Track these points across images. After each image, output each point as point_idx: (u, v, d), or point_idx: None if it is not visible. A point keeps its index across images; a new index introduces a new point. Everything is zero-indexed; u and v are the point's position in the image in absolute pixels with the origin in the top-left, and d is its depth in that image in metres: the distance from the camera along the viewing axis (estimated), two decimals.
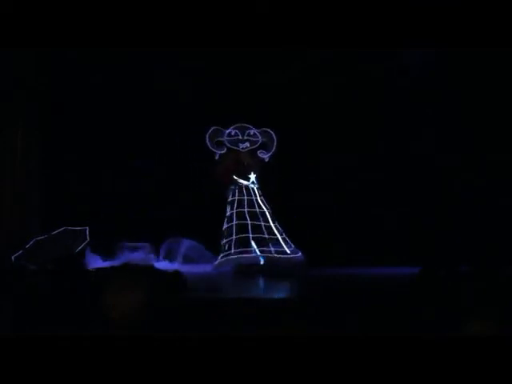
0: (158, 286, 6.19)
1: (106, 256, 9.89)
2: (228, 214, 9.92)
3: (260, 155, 10.19)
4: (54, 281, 6.20)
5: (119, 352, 4.50)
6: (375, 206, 10.62)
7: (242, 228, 9.65)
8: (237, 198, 9.92)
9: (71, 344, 4.56)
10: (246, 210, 9.75)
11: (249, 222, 9.64)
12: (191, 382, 4.36)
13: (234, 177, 10.01)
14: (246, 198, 9.86)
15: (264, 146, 10.25)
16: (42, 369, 4.36)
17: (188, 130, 10.68)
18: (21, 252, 8.98)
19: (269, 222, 9.72)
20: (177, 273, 7.07)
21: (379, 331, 4.89)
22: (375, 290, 6.63)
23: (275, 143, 10.18)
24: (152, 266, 7.49)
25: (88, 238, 9.43)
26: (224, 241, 9.78)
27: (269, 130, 10.23)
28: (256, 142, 10.23)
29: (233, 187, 10.06)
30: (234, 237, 9.69)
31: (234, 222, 9.73)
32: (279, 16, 7.56)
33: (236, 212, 9.80)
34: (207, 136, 10.12)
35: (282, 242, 9.61)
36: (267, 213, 9.82)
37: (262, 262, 9.48)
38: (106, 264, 9.32)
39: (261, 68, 10.30)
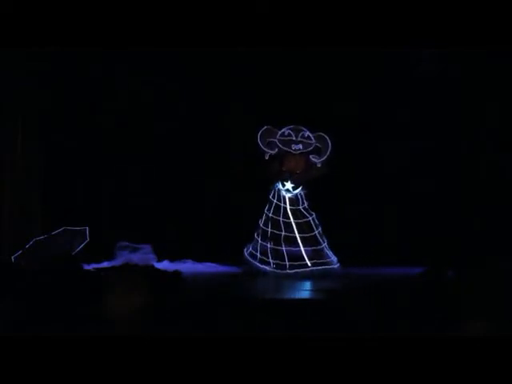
0: (158, 286, 6.20)
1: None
2: (266, 211, 9.81)
3: (312, 159, 9.86)
4: (53, 281, 6.20)
5: (119, 352, 4.50)
6: (372, 204, 10.62)
7: (271, 235, 9.66)
8: (275, 201, 9.80)
9: (71, 344, 4.56)
10: (280, 219, 9.66)
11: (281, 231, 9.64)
12: (192, 381, 4.36)
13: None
14: (282, 205, 9.73)
15: (317, 151, 9.91)
16: (41, 369, 4.36)
17: (188, 131, 10.68)
18: (21, 252, 8.96)
19: (295, 233, 9.62)
20: (177, 273, 7.09)
21: (382, 331, 4.90)
22: (378, 290, 6.63)
23: (329, 149, 9.86)
24: (152, 266, 7.51)
25: (88, 237, 9.42)
26: (256, 235, 9.82)
27: (324, 134, 9.91)
28: (310, 145, 9.86)
29: (275, 186, 9.89)
30: (259, 241, 9.72)
31: (267, 228, 9.73)
32: (279, 16, 7.56)
33: (271, 217, 9.73)
34: (259, 135, 9.77)
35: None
36: (294, 223, 9.68)
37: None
38: (106, 264, 9.34)
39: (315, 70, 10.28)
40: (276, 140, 9.84)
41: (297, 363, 4.43)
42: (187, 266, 9.81)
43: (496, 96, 10.49)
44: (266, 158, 9.81)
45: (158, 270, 6.97)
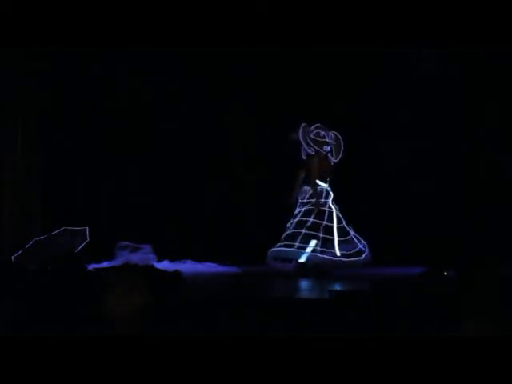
0: (158, 286, 6.20)
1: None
2: (296, 211, 9.51)
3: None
4: (54, 281, 6.20)
5: (119, 352, 4.50)
6: (372, 204, 10.63)
7: (304, 224, 9.31)
8: (323, 200, 9.47)
9: (71, 344, 4.56)
10: (326, 209, 9.40)
11: (311, 219, 9.31)
12: (192, 381, 4.36)
13: (317, 181, 9.56)
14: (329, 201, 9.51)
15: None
16: (41, 369, 4.35)
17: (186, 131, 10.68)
18: (21, 252, 8.96)
19: (341, 223, 9.45)
20: (177, 273, 7.08)
21: (382, 331, 4.89)
22: (378, 289, 6.62)
23: (342, 148, 9.73)
24: (152, 266, 7.50)
25: (88, 237, 9.42)
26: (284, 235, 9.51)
27: (337, 134, 9.76)
28: (332, 145, 9.76)
29: (307, 188, 9.55)
30: (289, 231, 9.38)
31: (297, 219, 9.39)
32: (279, 16, 7.56)
33: (304, 210, 9.41)
34: (301, 133, 9.44)
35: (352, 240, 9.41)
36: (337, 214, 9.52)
37: (301, 260, 9.16)
38: (106, 264, 9.34)
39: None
40: (310, 138, 9.57)
41: (297, 363, 4.43)
42: (187, 266, 9.80)
43: (496, 96, 10.50)
44: (304, 157, 9.63)
45: (158, 270, 6.96)
